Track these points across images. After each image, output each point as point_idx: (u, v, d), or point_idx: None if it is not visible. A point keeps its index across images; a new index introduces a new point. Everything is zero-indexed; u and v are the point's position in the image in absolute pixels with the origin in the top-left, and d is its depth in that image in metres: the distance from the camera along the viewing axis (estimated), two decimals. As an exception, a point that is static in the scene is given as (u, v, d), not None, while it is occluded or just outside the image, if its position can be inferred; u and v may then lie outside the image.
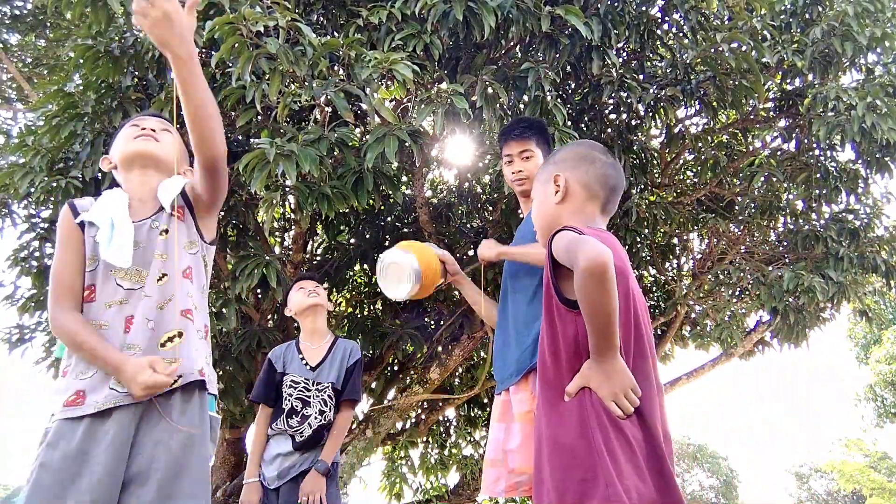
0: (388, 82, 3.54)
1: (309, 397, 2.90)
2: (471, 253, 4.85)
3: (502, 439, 2.26)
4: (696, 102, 4.53)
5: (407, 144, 3.37)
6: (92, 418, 1.57)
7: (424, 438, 6.74)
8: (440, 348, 5.44)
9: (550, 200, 1.66)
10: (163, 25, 1.54)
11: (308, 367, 2.96)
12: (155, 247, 1.73)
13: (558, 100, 3.86)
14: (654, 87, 4.35)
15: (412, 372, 5.70)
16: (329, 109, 3.45)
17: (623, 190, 1.70)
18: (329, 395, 2.92)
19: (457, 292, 5.01)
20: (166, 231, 1.76)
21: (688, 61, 4.41)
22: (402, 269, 2.47)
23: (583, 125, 4.65)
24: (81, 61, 3.62)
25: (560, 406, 1.41)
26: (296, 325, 4.86)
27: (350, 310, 5.95)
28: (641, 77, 4.50)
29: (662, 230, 5.96)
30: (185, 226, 1.80)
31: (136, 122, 1.89)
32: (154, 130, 1.85)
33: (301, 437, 2.85)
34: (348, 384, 2.96)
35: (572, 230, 1.45)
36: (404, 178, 5.27)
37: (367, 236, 5.44)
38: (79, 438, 1.55)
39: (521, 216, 2.88)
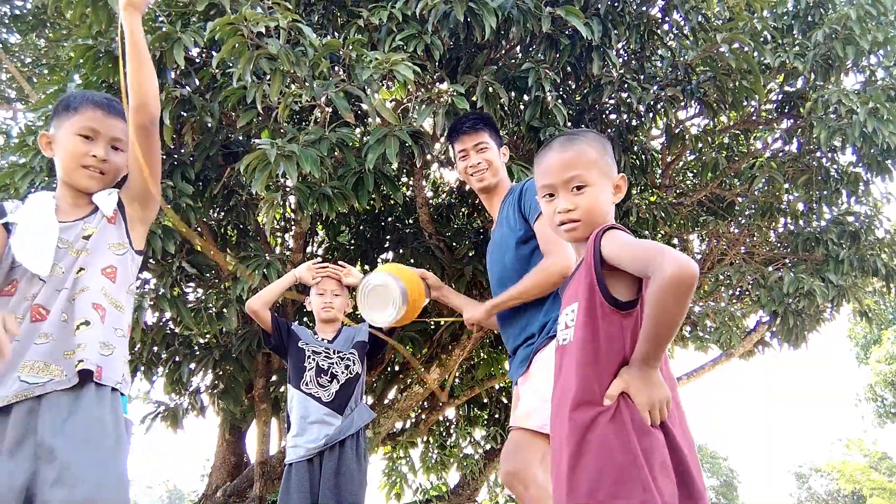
0: (389, 83, 3.55)
1: (332, 361, 3.02)
2: (471, 254, 4.85)
3: None
4: (697, 103, 4.53)
5: (407, 145, 3.37)
6: None
7: (424, 438, 6.75)
8: (440, 349, 5.45)
9: (609, 199, 1.58)
10: None
11: (325, 341, 3.09)
12: (78, 245, 1.76)
13: (558, 100, 3.86)
14: (655, 87, 4.35)
15: (412, 372, 5.70)
16: (329, 110, 3.45)
17: None
18: (351, 354, 3.05)
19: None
20: (91, 235, 1.78)
21: (688, 62, 4.41)
22: (388, 292, 2.49)
23: (583, 125, 4.64)
24: (82, 61, 3.62)
25: (596, 406, 1.38)
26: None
27: (349, 310, 5.94)
28: (642, 77, 4.50)
29: (663, 231, 5.96)
30: (116, 228, 1.83)
31: (90, 130, 1.82)
32: (105, 161, 1.82)
33: (331, 394, 2.94)
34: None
35: (624, 231, 1.43)
36: (405, 179, 5.27)
37: (368, 237, 5.44)
38: None
39: None
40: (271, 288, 3.10)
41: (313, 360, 2.99)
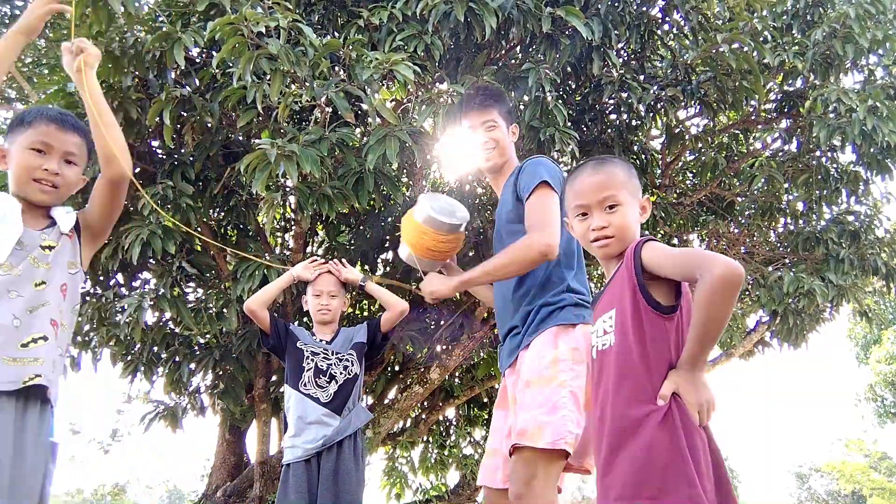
0: (389, 83, 3.55)
1: (331, 362, 3.02)
2: (471, 254, 4.85)
3: (500, 427, 2.26)
4: (697, 103, 4.53)
5: (408, 145, 3.38)
6: None
7: (424, 438, 6.75)
8: (440, 348, 5.45)
9: (637, 218, 1.69)
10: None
11: (323, 341, 3.07)
12: (35, 254, 1.76)
13: (559, 100, 3.86)
14: (655, 87, 4.35)
15: (412, 372, 5.70)
16: (329, 110, 3.45)
17: None
18: (350, 355, 3.04)
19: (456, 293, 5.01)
20: (50, 248, 1.79)
21: (688, 62, 4.41)
22: (457, 208, 2.47)
23: (583, 125, 4.64)
24: (82, 61, 3.62)
25: (646, 405, 1.44)
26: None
27: (350, 310, 5.95)
28: (642, 77, 4.50)
29: (663, 231, 5.96)
30: (72, 246, 1.85)
31: (43, 144, 1.80)
32: (58, 175, 1.81)
33: (329, 394, 2.94)
34: (373, 322, 3.15)
35: (660, 242, 1.53)
36: (405, 179, 5.27)
37: (368, 237, 5.44)
38: None
39: None
40: (269, 288, 3.10)
41: (312, 360, 2.99)
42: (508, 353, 2.28)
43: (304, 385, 2.95)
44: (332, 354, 3.02)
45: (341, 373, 2.99)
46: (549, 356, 2.07)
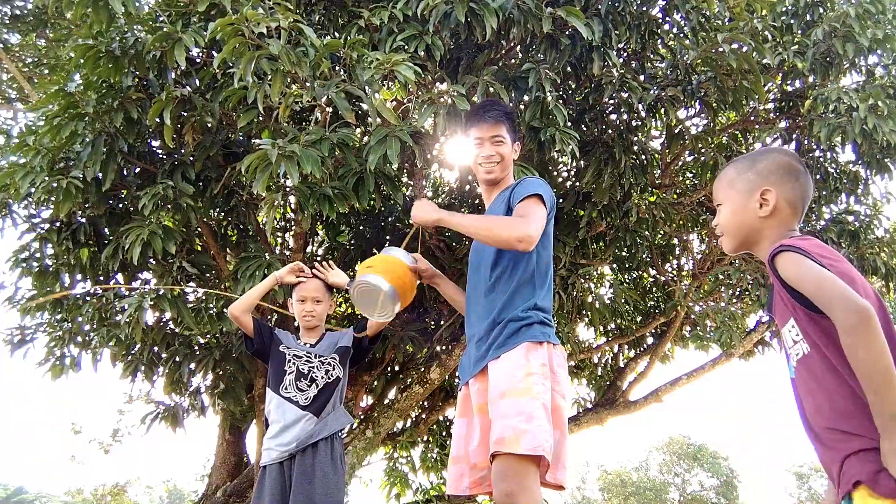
0: (390, 83, 3.55)
1: (313, 365, 3.02)
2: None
3: (464, 435, 2.28)
4: (697, 103, 4.52)
5: (408, 145, 3.38)
6: None
7: (424, 438, 6.75)
8: (440, 348, 5.45)
9: (752, 213, 1.63)
10: None
11: (308, 345, 3.08)
12: None
13: (559, 100, 3.86)
14: (655, 87, 4.35)
15: (412, 372, 5.71)
16: (330, 110, 3.45)
17: None
18: (332, 359, 3.04)
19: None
20: None
21: (688, 62, 4.41)
22: (380, 294, 2.43)
23: (583, 125, 4.65)
24: (82, 61, 3.62)
25: (852, 437, 1.33)
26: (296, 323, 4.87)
27: (350, 310, 5.95)
28: (642, 77, 4.50)
29: (662, 231, 5.96)
30: None
31: None
32: None
33: (309, 397, 2.94)
34: (359, 327, 3.14)
35: (795, 250, 1.42)
36: (405, 179, 5.27)
37: (368, 237, 5.44)
38: None
39: None
40: (252, 293, 3.07)
41: (294, 364, 3.00)
42: (474, 361, 2.29)
43: (285, 389, 2.96)
44: (315, 357, 3.02)
45: (322, 376, 2.99)
46: (523, 370, 2.11)
